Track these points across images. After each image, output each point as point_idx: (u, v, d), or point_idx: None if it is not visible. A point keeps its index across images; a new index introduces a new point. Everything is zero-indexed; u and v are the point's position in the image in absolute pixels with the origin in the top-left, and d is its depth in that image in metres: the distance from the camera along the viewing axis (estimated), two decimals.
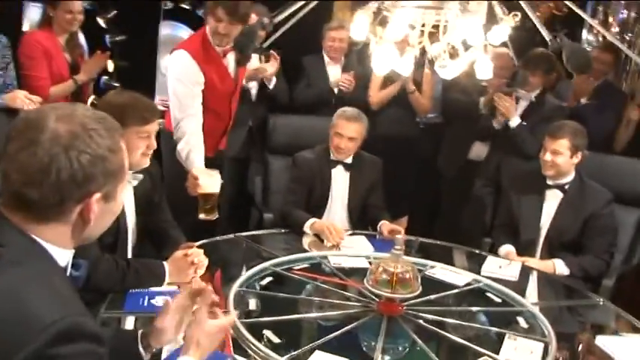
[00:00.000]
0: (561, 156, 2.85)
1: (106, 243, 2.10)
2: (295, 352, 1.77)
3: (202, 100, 2.89)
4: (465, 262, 2.78)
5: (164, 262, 2.12)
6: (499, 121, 3.68)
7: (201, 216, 2.50)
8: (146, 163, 2.20)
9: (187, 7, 4.61)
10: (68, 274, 1.20)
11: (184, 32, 5.21)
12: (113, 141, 1.15)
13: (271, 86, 3.82)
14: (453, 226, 3.97)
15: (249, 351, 1.76)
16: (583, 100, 4.00)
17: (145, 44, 4.63)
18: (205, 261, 2.16)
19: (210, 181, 2.50)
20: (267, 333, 1.88)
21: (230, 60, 3.02)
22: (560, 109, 3.71)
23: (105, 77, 4.52)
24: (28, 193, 1.07)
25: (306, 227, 2.82)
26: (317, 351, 1.78)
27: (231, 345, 1.74)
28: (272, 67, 3.74)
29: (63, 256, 1.16)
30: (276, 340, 1.86)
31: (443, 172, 4.21)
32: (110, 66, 4.49)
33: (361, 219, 3.16)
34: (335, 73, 4.07)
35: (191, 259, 2.12)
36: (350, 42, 3.95)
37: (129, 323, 1.90)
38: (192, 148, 2.75)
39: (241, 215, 3.90)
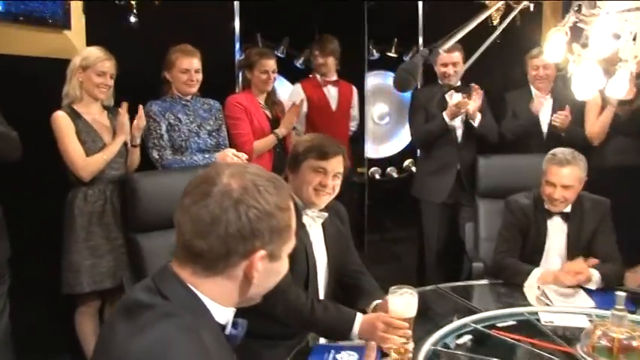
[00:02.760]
0: None
1: (297, 281, 2.09)
2: None
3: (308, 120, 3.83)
4: None
5: (358, 313, 1.97)
6: None
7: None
8: (319, 200, 2.17)
9: (393, 55, 4.61)
10: (227, 332, 1.19)
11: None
12: (281, 199, 1.15)
13: (476, 124, 3.60)
14: None
15: None
16: None
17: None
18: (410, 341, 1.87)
19: (402, 304, 1.88)
20: None
21: (331, 90, 3.93)
22: None
23: None
24: (197, 244, 1.10)
25: (532, 280, 2.52)
26: None
27: None
28: (475, 102, 3.55)
29: (223, 313, 1.17)
30: None
31: None
32: None
33: None
34: (545, 106, 3.70)
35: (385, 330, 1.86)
36: (557, 67, 3.59)
37: None
38: None
39: (452, 264, 3.68)
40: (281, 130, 3.46)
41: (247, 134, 3.35)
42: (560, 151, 2.67)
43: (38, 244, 2.92)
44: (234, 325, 1.21)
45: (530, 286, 2.52)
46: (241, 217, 1.09)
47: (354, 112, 4.12)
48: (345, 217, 2.43)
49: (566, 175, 2.60)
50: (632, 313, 2.10)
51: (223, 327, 1.18)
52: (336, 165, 2.17)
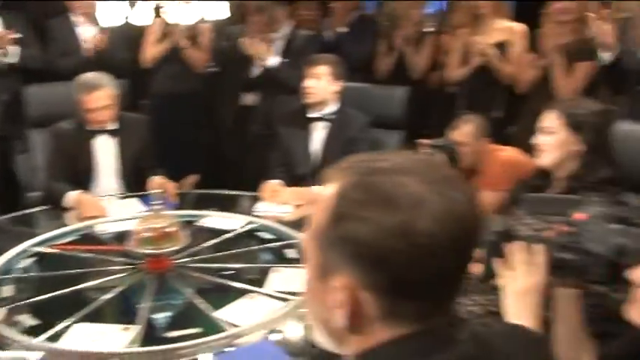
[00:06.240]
0: (320, 81, 2.94)
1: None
2: (51, 330, 1.68)
3: None
4: (246, 207, 2.74)
5: None
6: (258, 64, 3.74)
7: None
8: None
9: None
10: None
11: None
12: None
13: (16, 59, 3.57)
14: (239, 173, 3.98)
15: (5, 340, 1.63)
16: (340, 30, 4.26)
17: None
18: None
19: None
20: (22, 317, 1.77)
21: None
22: (314, 39, 3.96)
23: None
24: None
25: (67, 202, 2.66)
26: (75, 324, 1.71)
27: None
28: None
29: None
30: (32, 322, 1.75)
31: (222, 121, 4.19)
32: None
33: (136, 182, 2.98)
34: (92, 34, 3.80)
35: None
36: None
37: None
38: None
39: (13, 198, 3.59)
40: None
41: None
42: (89, 77, 2.83)
43: None
44: None
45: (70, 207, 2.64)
46: None
47: None
48: None
49: (100, 98, 2.78)
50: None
51: None
52: None
